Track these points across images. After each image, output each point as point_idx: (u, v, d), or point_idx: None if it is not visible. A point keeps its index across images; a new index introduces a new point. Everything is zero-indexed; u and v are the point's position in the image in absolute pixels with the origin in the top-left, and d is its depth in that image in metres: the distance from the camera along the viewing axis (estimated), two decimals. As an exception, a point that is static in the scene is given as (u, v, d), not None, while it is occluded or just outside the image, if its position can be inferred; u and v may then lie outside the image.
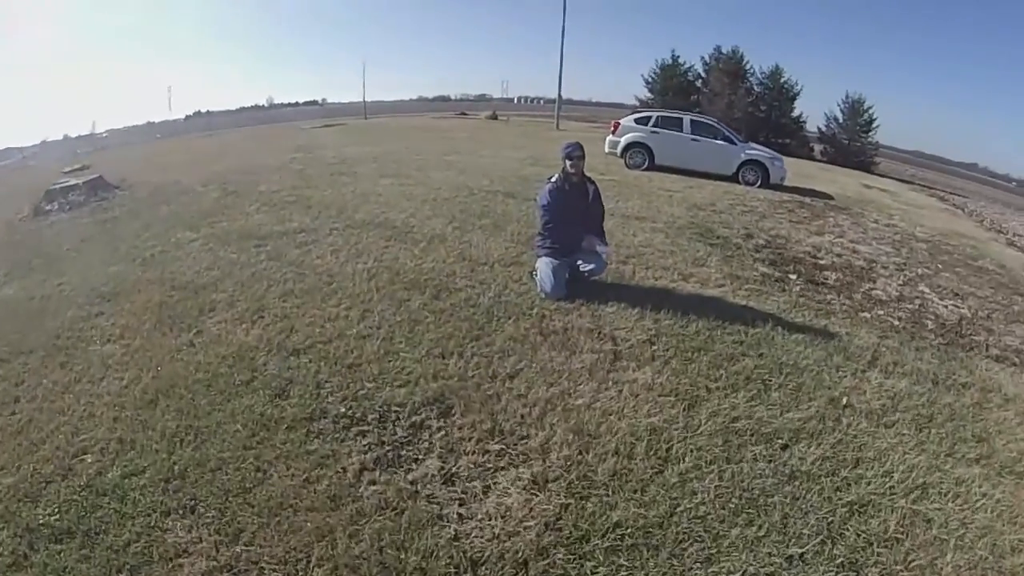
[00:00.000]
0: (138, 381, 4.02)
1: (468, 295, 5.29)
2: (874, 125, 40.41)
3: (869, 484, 3.26)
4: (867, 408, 4.07)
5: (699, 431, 3.62)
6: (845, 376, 4.50)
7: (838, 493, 3.18)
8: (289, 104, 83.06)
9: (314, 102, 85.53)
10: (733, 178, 15.82)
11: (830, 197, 15.79)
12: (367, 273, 5.74)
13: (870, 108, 40.61)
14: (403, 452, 3.32)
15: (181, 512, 2.89)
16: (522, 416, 3.64)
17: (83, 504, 2.95)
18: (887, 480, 3.31)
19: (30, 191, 11.94)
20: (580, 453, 3.34)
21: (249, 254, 6.45)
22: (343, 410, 3.61)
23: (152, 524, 2.82)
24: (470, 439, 3.42)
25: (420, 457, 3.29)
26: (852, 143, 39.93)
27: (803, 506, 3.06)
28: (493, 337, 4.55)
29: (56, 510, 2.92)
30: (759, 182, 15.57)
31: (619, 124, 17.07)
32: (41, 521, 2.86)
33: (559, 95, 38.92)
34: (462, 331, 4.61)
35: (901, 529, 2.99)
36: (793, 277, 7.16)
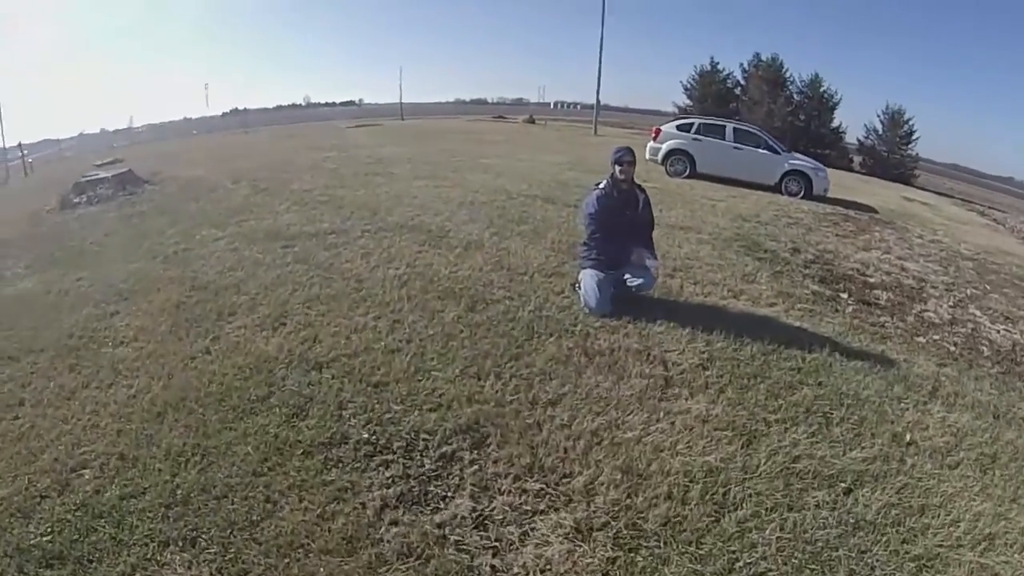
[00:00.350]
0: (147, 390, 3.73)
1: (506, 308, 4.92)
2: (914, 137, 39.49)
3: (936, 535, 2.96)
4: (931, 446, 3.75)
5: (758, 472, 3.24)
6: (907, 409, 4.18)
7: (904, 546, 2.87)
8: (326, 104, 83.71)
9: (351, 102, 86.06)
10: (776, 188, 15.33)
11: (874, 210, 15.26)
12: (398, 280, 5.40)
13: (910, 120, 39.68)
14: (431, 488, 2.95)
15: (181, 544, 2.60)
16: (565, 450, 3.25)
17: (78, 526, 2.69)
18: (954, 530, 3.01)
19: (61, 183, 11.91)
20: (629, 496, 2.96)
21: (275, 255, 6.17)
22: (366, 436, 3.25)
23: (149, 555, 2.55)
24: (506, 475, 3.04)
25: (450, 495, 2.92)
26: (891, 155, 38.98)
27: (869, 560, 2.76)
28: (533, 357, 4.17)
29: (49, 529, 2.68)
30: (802, 193, 15.06)
31: (660, 131, 16.62)
32: (33, 541, 2.62)
33: (597, 100, 38.46)
34: (499, 348, 4.23)
35: (968, 585, 2.70)
36: (844, 296, 6.84)
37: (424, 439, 3.25)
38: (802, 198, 14.78)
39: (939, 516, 3.10)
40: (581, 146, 23.03)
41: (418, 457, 3.13)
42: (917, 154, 40.20)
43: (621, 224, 5.11)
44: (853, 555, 2.76)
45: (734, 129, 16.39)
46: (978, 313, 7.33)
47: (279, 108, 71.31)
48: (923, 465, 3.53)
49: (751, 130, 16.93)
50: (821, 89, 40.71)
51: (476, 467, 3.09)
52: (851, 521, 2.97)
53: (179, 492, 2.86)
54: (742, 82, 43.10)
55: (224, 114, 63.80)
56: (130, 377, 3.90)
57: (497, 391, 3.71)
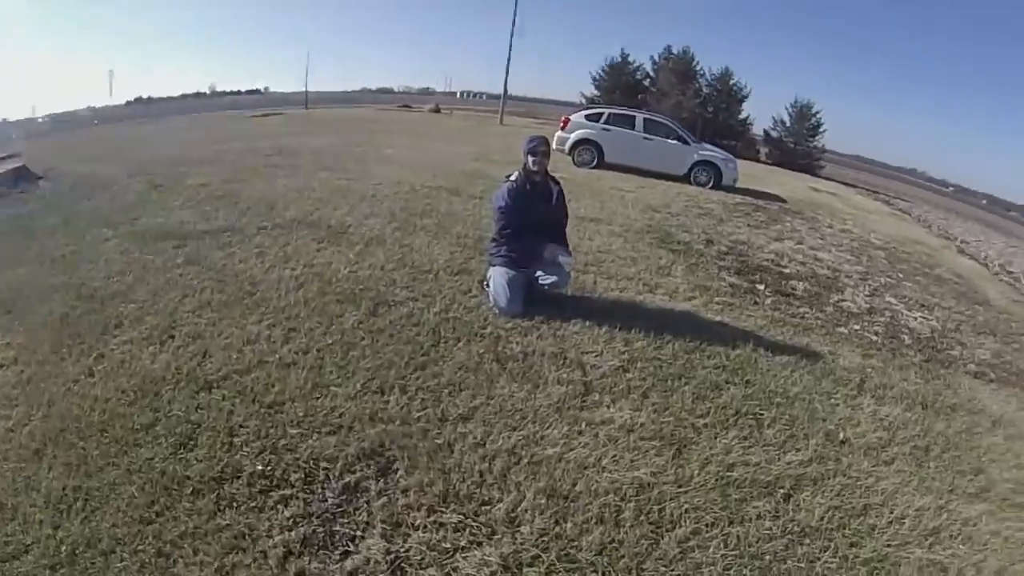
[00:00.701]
0: (26, 422, 3.14)
1: (410, 310, 4.55)
2: (821, 130, 41.13)
3: (882, 535, 2.91)
4: (865, 443, 3.71)
5: (692, 484, 3.02)
6: (838, 405, 4.15)
7: (853, 549, 2.78)
8: (232, 92, 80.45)
9: (256, 91, 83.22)
10: (685, 178, 15.55)
11: (783, 200, 15.75)
12: (295, 281, 4.93)
13: (817, 113, 41.28)
14: (337, 527, 2.54)
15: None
16: (481, 473, 2.92)
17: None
18: (899, 528, 2.98)
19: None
20: (557, 523, 2.67)
21: (166, 256, 5.56)
22: (260, 467, 2.82)
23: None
24: (419, 507, 2.67)
25: (359, 534, 2.52)
26: (798, 146, 40.41)
27: (820, 569, 2.64)
28: (441, 366, 3.83)
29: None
30: (711, 183, 15.40)
31: (569, 120, 16.53)
32: None
33: (504, 89, 38.15)
34: (404, 357, 3.86)
35: (920, 582, 2.67)
36: (762, 288, 6.88)
37: (324, 468, 2.84)
38: (711, 188, 15.14)
39: (883, 515, 3.05)
40: (486, 136, 22.71)
41: (319, 490, 2.72)
42: (823, 146, 41.99)
43: (533, 219, 4.84)
44: (803, 565, 2.64)
45: (644, 119, 16.51)
46: (894, 301, 7.54)
47: (184, 97, 67.83)
48: (859, 463, 3.48)
49: (662, 120, 17.08)
50: (731, 82, 41.83)
51: (384, 499, 2.71)
52: (796, 529, 2.84)
53: (63, 548, 2.35)
54: (652, 74, 43.74)
55: (128, 103, 60.59)
56: (8, 407, 3.29)
57: (403, 407, 3.34)
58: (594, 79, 44.36)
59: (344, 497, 2.70)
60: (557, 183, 5.07)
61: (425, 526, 2.58)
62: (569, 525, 2.66)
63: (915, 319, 6.95)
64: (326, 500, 2.67)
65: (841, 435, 3.74)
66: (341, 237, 6.29)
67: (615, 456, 3.17)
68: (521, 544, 2.54)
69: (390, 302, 4.68)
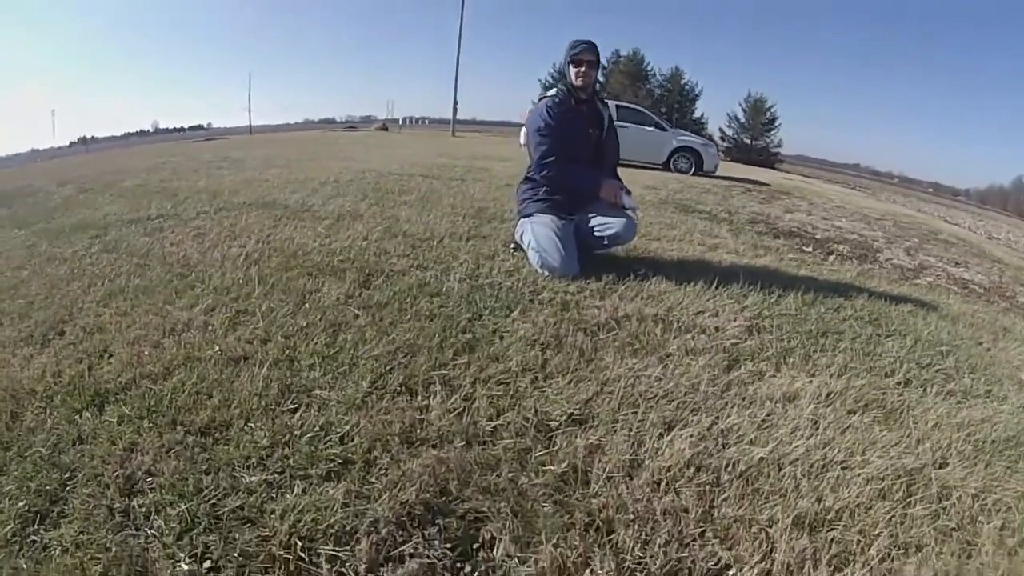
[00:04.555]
0: None
1: (421, 279, 3.05)
2: (776, 124, 40.82)
3: None
4: None
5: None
6: (989, 349, 3.35)
7: None
8: (175, 129, 78.21)
9: (199, 126, 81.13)
10: (664, 166, 14.58)
11: (766, 184, 14.95)
12: (245, 259, 3.37)
13: (771, 107, 41.00)
14: None
15: None
16: (666, 518, 1.47)
17: None
18: None
19: None
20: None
21: (78, 247, 3.97)
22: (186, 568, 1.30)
23: None
24: None
25: None
26: (755, 142, 39.98)
27: None
28: (499, 345, 2.35)
29: None
30: (692, 170, 14.43)
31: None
32: None
33: (455, 100, 36.62)
34: (433, 337, 2.35)
35: None
36: (809, 249, 5.88)
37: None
38: (692, 174, 14.20)
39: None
40: (442, 143, 21.28)
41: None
42: (780, 139, 41.67)
43: (583, 148, 3.51)
44: None
45: (617, 107, 15.41)
46: (931, 259, 6.86)
47: (127, 135, 65.32)
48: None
49: (636, 108, 16.16)
50: (682, 81, 41.47)
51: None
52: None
53: None
54: (601, 78, 43.11)
55: (72, 143, 58.06)
56: None
57: (459, 415, 1.85)
58: (544, 86, 43.47)
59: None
60: (606, 105, 3.75)
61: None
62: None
63: (963, 273, 6.32)
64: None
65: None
66: (304, 214, 4.72)
67: (848, 443, 1.89)
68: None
69: (387, 272, 3.16)
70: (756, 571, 1.32)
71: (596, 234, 3.50)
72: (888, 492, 1.65)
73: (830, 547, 1.42)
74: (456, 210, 5.11)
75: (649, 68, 41.64)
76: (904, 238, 8.32)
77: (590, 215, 3.50)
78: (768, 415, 1.99)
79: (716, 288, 3.24)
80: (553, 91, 3.59)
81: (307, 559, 1.31)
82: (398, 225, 4.35)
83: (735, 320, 2.83)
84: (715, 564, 1.35)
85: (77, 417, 1.82)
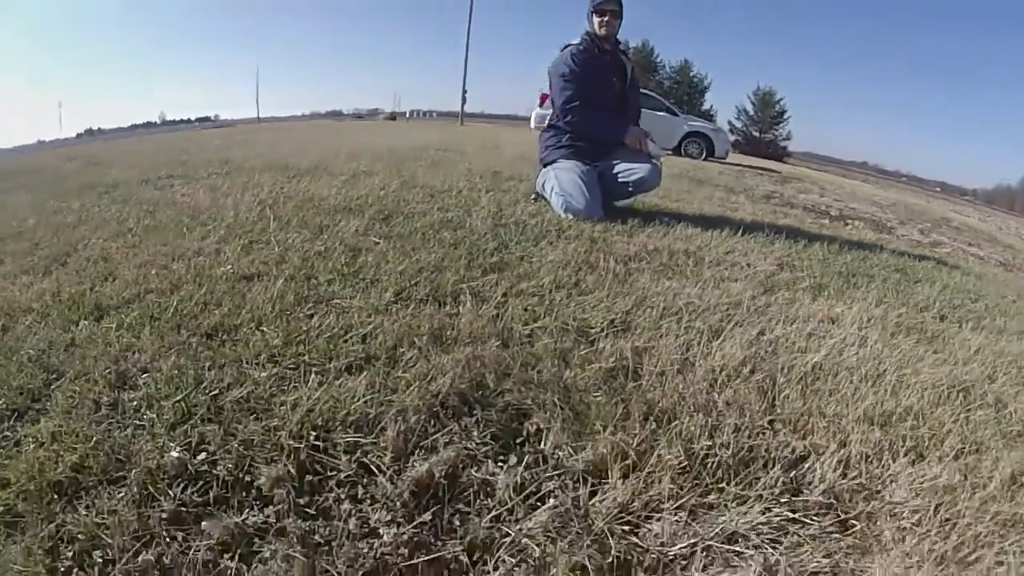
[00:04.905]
0: None
1: (442, 217, 2.95)
2: (786, 116, 40.54)
3: None
4: None
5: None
6: None
7: None
8: (182, 120, 78.17)
9: (207, 118, 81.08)
10: (675, 151, 14.41)
11: (778, 171, 14.88)
12: (259, 203, 3.27)
13: (780, 99, 40.70)
14: None
15: None
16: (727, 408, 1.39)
17: None
18: None
19: None
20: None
21: (86, 200, 3.94)
22: (176, 458, 1.16)
23: None
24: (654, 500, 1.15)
25: None
26: (763, 135, 39.72)
27: None
28: (530, 265, 2.25)
29: None
30: (703, 155, 14.27)
31: (547, 96, 15.10)
32: None
33: (464, 90, 36.55)
34: (460, 259, 2.25)
35: None
36: (825, 221, 5.77)
37: (354, 451, 1.20)
38: (704, 159, 13.99)
39: None
40: (451, 130, 21.20)
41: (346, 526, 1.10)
42: (789, 132, 41.31)
43: (608, 96, 3.44)
44: None
45: (628, 91, 15.33)
46: (946, 240, 6.75)
47: (134, 127, 65.34)
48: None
49: (647, 92, 15.96)
50: (691, 74, 41.22)
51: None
52: None
53: None
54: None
55: (79, 135, 58.05)
56: None
57: (491, 320, 1.73)
58: (553, 80, 43.52)
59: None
60: (629, 58, 3.68)
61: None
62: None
63: (978, 252, 6.25)
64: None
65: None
66: (318, 172, 4.60)
67: (897, 357, 1.83)
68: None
69: (407, 213, 3.05)
70: (834, 460, 1.23)
71: (620, 179, 3.42)
72: (946, 400, 1.58)
73: (903, 441, 1.34)
74: (472, 172, 5.02)
75: (658, 60, 41.46)
76: (916, 221, 8.24)
77: (614, 162, 3.41)
78: (813, 330, 1.91)
79: (742, 235, 3.19)
80: (577, 39, 3.49)
81: (322, 447, 1.19)
82: (415, 180, 4.26)
83: (765, 260, 2.78)
84: (790, 453, 1.26)
85: (73, 327, 1.71)
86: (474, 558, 1.01)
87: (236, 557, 0.98)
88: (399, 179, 4.24)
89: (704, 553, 1.01)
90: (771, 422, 1.35)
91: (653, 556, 1.01)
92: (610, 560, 0.98)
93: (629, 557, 1.00)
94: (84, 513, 1.02)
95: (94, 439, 1.19)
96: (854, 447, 1.28)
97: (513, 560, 0.99)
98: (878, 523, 1.11)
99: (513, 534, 1.03)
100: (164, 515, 1.03)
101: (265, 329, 1.63)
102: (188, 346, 1.54)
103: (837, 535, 1.08)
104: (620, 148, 3.41)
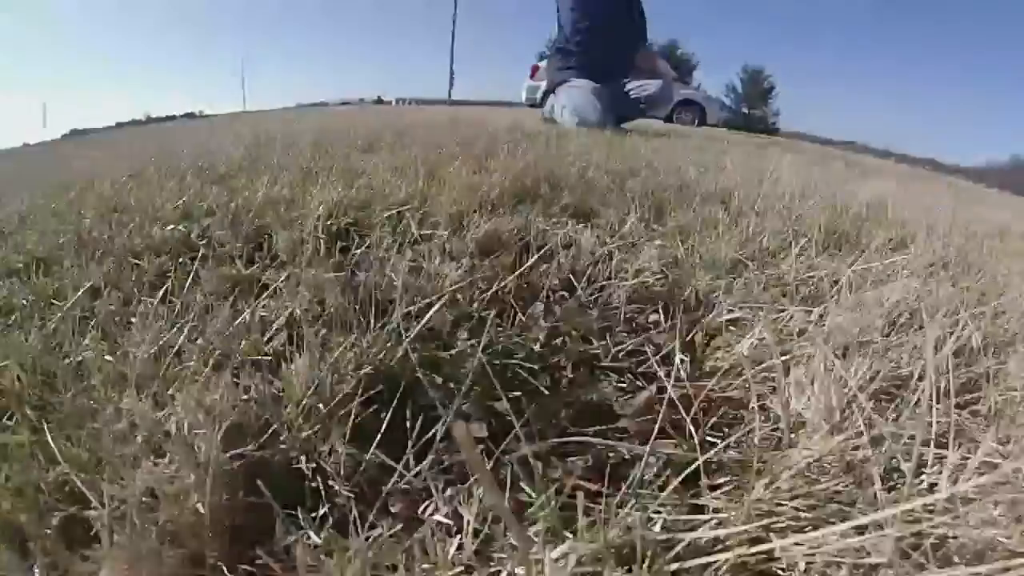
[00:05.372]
0: None
1: (474, 132, 3.21)
2: (774, 92, 40.60)
3: None
4: None
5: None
6: None
7: None
8: (167, 117, 77.24)
9: (192, 114, 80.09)
10: (667, 120, 14.44)
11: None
12: (290, 138, 3.48)
13: (769, 76, 40.80)
14: None
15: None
16: None
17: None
18: None
19: None
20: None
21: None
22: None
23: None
24: None
25: None
26: (752, 111, 39.73)
27: None
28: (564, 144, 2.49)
29: None
30: (696, 123, 14.31)
31: (539, 68, 15.14)
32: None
33: (451, 73, 36.52)
34: (532, 151, 2.42)
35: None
36: None
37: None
38: (697, 127, 14.03)
39: None
40: (442, 111, 21.39)
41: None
42: (779, 109, 41.35)
43: (616, 16, 3.58)
44: None
45: (617, 60, 15.43)
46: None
47: (120, 125, 64.60)
48: None
49: (637, 62, 16.07)
50: (678, 52, 41.16)
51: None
52: None
53: None
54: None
55: (64, 136, 57.43)
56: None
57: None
58: (540, 58, 43.30)
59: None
60: None
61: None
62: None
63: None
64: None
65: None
66: (339, 137, 4.80)
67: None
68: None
69: (442, 144, 3.28)
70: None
71: (632, 95, 3.59)
72: None
73: None
74: (482, 129, 5.20)
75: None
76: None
77: (624, 80, 3.60)
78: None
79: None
80: None
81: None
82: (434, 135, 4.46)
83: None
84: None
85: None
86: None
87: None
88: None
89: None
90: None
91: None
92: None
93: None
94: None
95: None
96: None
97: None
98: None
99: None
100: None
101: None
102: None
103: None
104: (631, 68, 3.61)
